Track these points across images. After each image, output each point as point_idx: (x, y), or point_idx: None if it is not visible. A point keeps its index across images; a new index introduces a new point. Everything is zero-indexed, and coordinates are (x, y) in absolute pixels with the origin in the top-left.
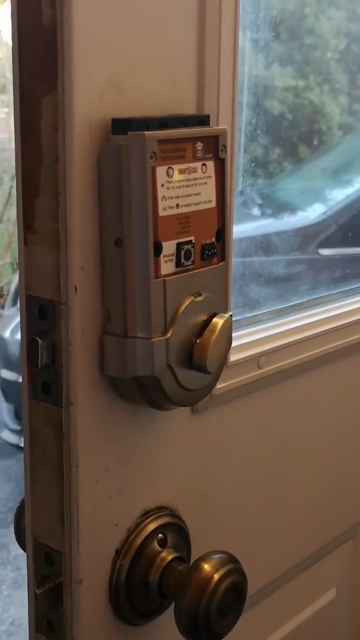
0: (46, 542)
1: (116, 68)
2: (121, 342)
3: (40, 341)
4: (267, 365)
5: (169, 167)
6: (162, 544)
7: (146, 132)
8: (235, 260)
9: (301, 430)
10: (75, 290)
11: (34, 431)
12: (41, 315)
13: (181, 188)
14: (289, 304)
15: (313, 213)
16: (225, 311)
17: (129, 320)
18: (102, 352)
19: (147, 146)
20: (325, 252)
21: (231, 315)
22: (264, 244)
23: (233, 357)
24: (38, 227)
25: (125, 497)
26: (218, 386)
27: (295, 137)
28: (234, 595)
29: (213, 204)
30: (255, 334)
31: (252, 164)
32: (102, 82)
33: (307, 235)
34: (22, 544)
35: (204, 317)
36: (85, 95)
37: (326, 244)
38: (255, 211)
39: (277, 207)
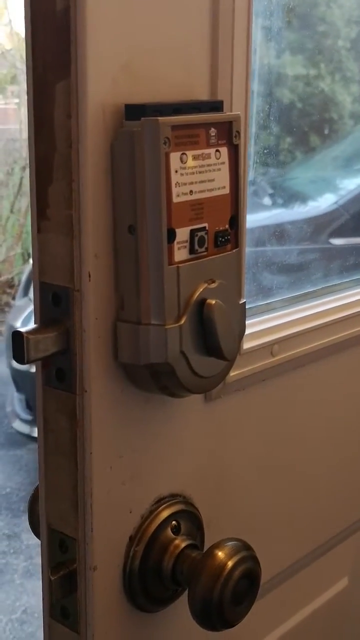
0: (60, 529)
1: (129, 54)
2: (134, 329)
3: (26, 335)
4: (280, 353)
5: (183, 153)
6: (176, 531)
7: (160, 118)
8: (246, 249)
9: (314, 418)
10: (89, 277)
11: (47, 418)
12: (55, 302)
13: (195, 174)
14: (301, 292)
15: (324, 202)
16: (239, 298)
17: (143, 307)
18: (115, 339)
19: (160, 132)
20: (337, 241)
21: (245, 302)
22: (275, 233)
23: (246, 345)
24: (51, 214)
25: (138, 484)
26: (231, 374)
27: (307, 126)
28: (248, 582)
29: (227, 191)
30: (268, 321)
31: (263, 153)
32: (116, 67)
33: (319, 225)
34: (36, 531)
35: None
36: (98, 81)
37: (338, 233)
38: (267, 201)
39: (288, 196)
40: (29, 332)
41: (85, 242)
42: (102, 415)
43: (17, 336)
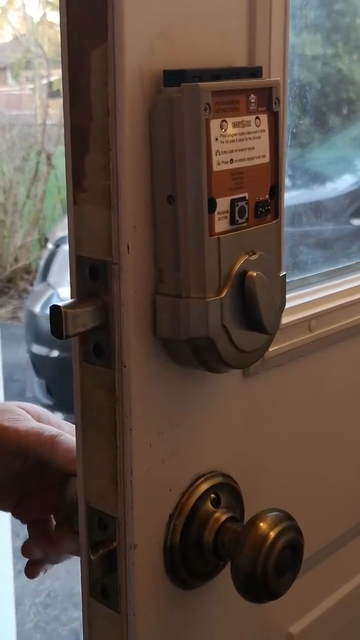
0: (99, 508)
1: (167, 19)
2: (174, 303)
3: (65, 310)
4: (318, 328)
5: (223, 120)
6: (216, 504)
7: (200, 83)
8: None
9: (352, 393)
10: (128, 249)
11: (85, 395)
12: (92, 276)
13: (235, 142)
14: (338, 267)
15: (344, 184)
16: (279, 271)
17: (183, 279)
18: (154, 313)
19: (201, 97)
20: (357, 221)
21: (285, 275)
22: (295, 214)
23: (284, 320)
24: (88, 185)
25: (178, 462)
26: (269, 349)
27: (325, 107)
28: (291, 552)
29: (267, 159)
30: (305, 296)
31: None
32: (153, 33)
33: (339, 205)
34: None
35: None
36: (136, 47)
37: (359, 213)
38: (286, 182)
39: (307, 177)
40: (67, 307)
41: (123, 213)
42: (142, 391)
43: (55, 311)
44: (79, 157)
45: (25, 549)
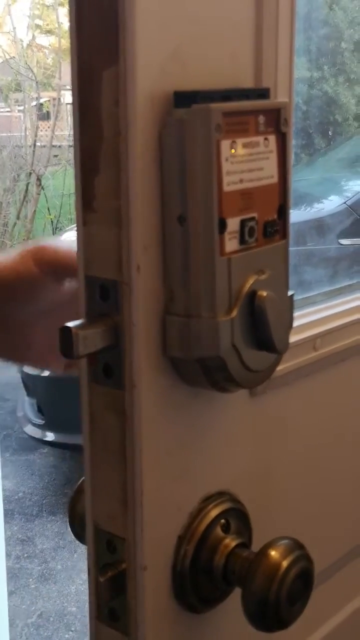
0: (108, 529)
1: (178, 40)
2: (184, 323)
3: (75, 331)
4: (322, 347)
5: (233, 141)
6: (225, 529)
7: (211, 104)
8: None
9: (357, 412)
10: (138, 269)
11: (94, 415)
12: (102, 296)
13: (244, 163)
14: (341, 285)
15: (331, 204)
16: (287, 290)
17: (193, 299)
18: (164, 333)
19: (212, 118)
20: (345, 241)
21: (292, 295)
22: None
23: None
24: (98, 205)
25: (187, 482)
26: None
27: (311, 128)
28: (302, 582)
29: (275, 180)
30: (309, 315)
31: None
32: (164, 54)
33: (327, 225)
34: (77, 534)
35: None
36: (147, 68)
37: (346, 233)
38: None
39: (295, 198)
40: (78, 327)
41: (134, 233)
42: (152, 411)
43: (65, 331)
44: (88, 178)
45: None
